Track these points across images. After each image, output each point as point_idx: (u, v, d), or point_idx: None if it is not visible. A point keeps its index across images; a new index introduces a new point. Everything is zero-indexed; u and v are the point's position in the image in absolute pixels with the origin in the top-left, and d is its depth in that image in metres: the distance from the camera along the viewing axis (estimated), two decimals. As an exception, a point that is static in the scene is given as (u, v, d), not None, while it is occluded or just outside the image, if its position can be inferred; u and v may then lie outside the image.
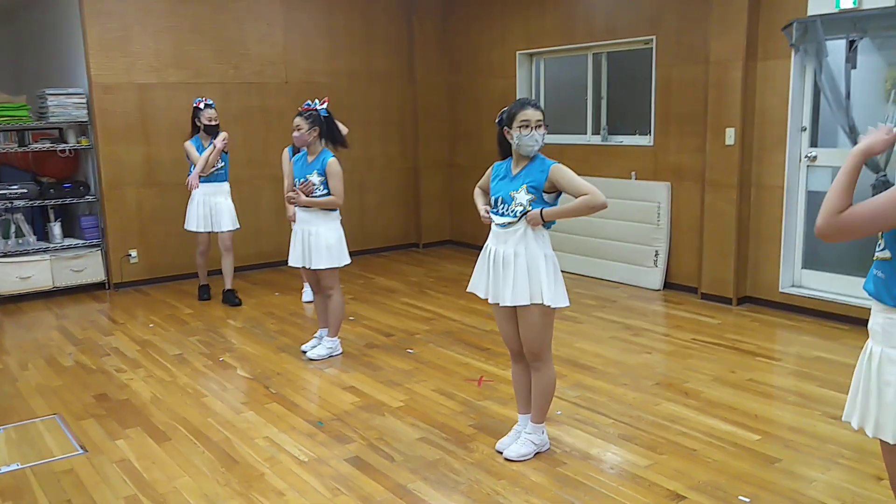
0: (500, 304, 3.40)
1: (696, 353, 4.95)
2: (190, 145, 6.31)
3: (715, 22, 5.90)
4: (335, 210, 4.86)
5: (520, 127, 3.25)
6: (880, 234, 2.07)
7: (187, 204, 6.42)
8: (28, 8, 8.27)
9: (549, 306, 3.32)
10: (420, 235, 8.87)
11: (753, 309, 5.92)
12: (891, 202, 1.95)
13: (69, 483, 3.42)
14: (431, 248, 8.84)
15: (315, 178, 4.72)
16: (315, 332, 5.26)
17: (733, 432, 3.75)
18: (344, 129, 5.24)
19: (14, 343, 5.68)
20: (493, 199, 3.42)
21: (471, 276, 3.58)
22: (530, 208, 3.28)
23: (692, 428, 3.81)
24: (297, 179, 4.83)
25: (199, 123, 6.27)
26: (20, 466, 3.59)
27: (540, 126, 3.27)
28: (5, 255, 6.66)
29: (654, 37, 6.48)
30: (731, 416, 3.95)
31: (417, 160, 8.74)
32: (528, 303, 3.31)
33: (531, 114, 3.26)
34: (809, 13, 5.38)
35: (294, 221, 5.60)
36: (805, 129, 5.70)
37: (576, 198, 3.24)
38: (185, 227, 6.45)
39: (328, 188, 4.73)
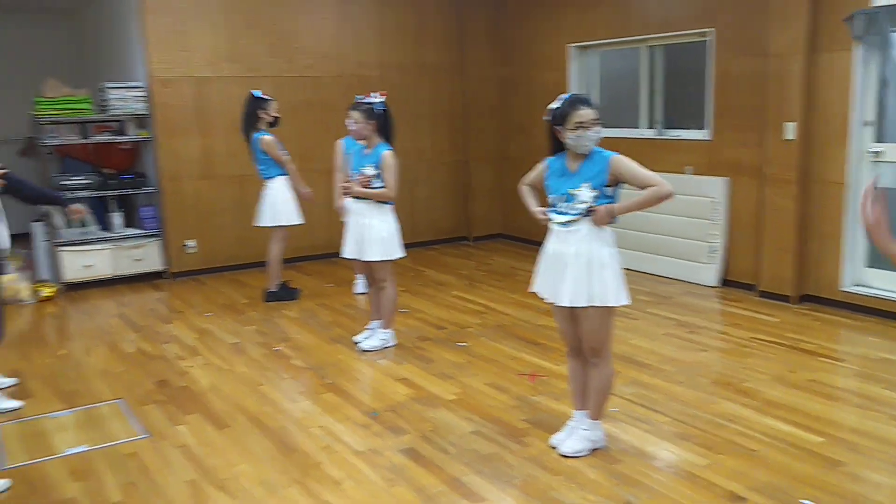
0: (558, 305, 3.38)
1: (754, 352, 4.85)
2: (274, 142, 6.05)
3: (775, 13, 5.76)
4: (389, 203, 4.88)
5: (574, 128, 3.21)
6: None
7: (279, 197, 6.15)
8: (90, 4, 8.48)
9: (610, 306, 3.30)
10: (470, 229, 8.87)
11: (814, 308, 5.77)
12: None
13: (134, 466, 3.52)
14: (482, 241, 8.83)
15: (370, 171, 4.76)
16: (367, 323, 5.31)
17: (794, 433, 3.67)
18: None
19: (78, 329, 5.86)
20: (551, 197, 3.38)
21: (529, 273, 3.57)
22: (595, 205, 3.25)
23: (751, 428, 3.74)
24: (353, 171, 4.87)
25: (265, 115, 6.07)
26: (88, 448, 3.71)
27: (594, 124, 3.22)
28: (69, 244, 6.86)
29: (712, 29, 6.36)
30: (791, 416, 3.87)
31: (468, 153, 8.73)
32: (586, 304, 3.28)
33: (585, 114, 3.20)
34: (873, 3, 5.21)
35: (343, 213, 5.67)
36: (869, 124, 5.54)
37: (641, 189, 3.21)
38: (294, 221, 6.21)
39: (383, 181, 4.76)
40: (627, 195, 3.28)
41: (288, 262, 6.69)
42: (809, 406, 4.00)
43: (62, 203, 4.63)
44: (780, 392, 4.19)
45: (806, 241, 5.86)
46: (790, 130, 5.75)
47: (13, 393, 4.46)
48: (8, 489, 3.32)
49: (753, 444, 3.58)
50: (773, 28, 5.78)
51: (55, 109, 6.77)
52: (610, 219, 3.25)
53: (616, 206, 3.25)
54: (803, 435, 3.66)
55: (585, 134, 3.20)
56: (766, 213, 6.01)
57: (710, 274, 6.48)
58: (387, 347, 5.10)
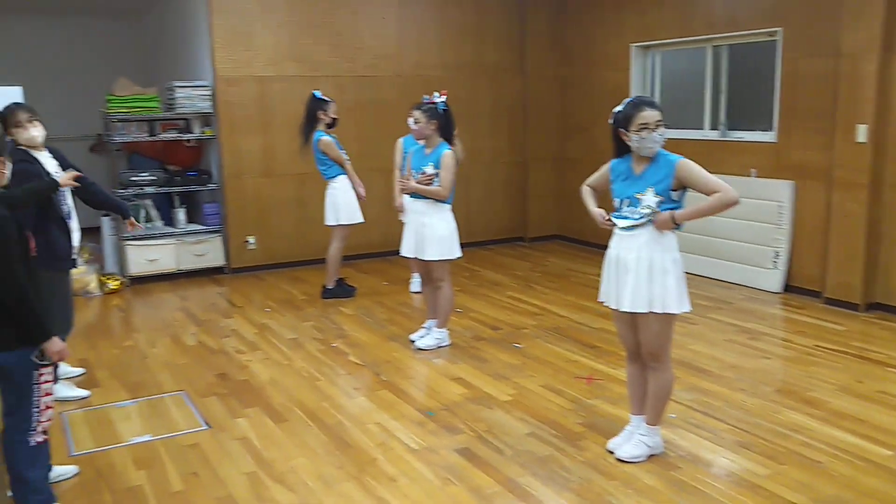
0: (618, 310, 3.34)
1: (819, 361, 4.71)
2: (333, 143, 6.11)
3: (848, 11, 5.58)
4: (447, 202, 4.89)
5: (639, 130, 3.17)
6: None
7: (341, 197, 6.22)
8: (160, 5, 8.72)
9: (670, 313, 3.25)
10: (526, 229, 8.83)
11: (884, 316, 5.57)
12: None
13: (195, 456, 3.61)
14: (537, 242, 8.78)
15: (430, 170, 4.78)
16: (423, 322, 5.32)
17: (862, 446, 3.55)
18: (459, 153, 5.29)
19: (143, 322, 6.03)
20: (616, 201, 3.34)
21: (585, 275, 3.53)
22: (658, 210, 3.20)
23: (816, 439, 3.64)
24: (413, 171, 4.90)
25: (324, 116, 6.13)
26: (151, 438, 3.81)
27: (659, 126, 3.17)
28: (135, 239, 7.05)
29: (780, 28, 6.19)
30: (859, 428, 3.74)
31: (526, 153, 8.69)
32: (647, 310, 3.25)
33: (649, 115, 3.15)
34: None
35: (401, 212, 5.70)
36: (947, 127, 5.33)
37: (706, 195, 3.15)
38: (355, 220, 6.27)
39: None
40: (692, 199, 3.22)
41: (345, 259, 6.75)
42: (878, 418, 3.86)
43: (124, 213, 4.75)
44: (847, 402, 4.06)
45: (876, 248, 5.65)
46: (862, 133, 5.56)
47: (81, 382, 4.61)
48: (75, 475, 3.44)
49: (818, 455, 3.48)
50: (846, 27, 5.60)
51: (125, 107, 6.98)
52: (672, 225, 3.20)
53: (679, 212, 3.19)
54: (871, 447, 3.54)
55: (650, 136, 3.16)
56: (833, 217, 5.82)
57: (773, 279, 6.32)
58: (442, 347, 5.11)
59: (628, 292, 3.27)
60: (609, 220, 3.35)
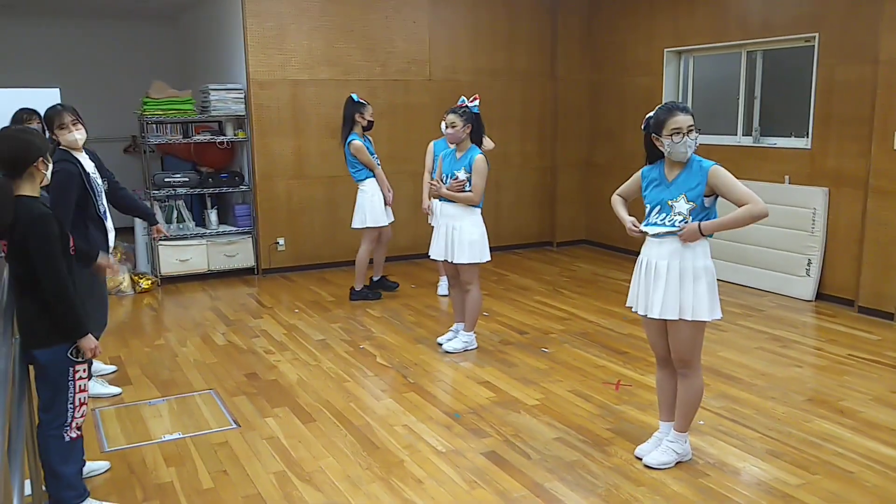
0: (648, 316, 3.33)
1: (852, 370, 4.64)
2: (364, 147, 6.18)
3: (888, 17, 5.49)
4: (478, 206, 4.90)
5: (671, 134, 3.16)
6: None
7: (368, 200, 6.26)
8: (195, 9, 8.85)
9: (701, 321, 3.23)
10: (554, 234, 8.81)
11: (919, 326, 5.49)
12: None
13: (224, 455, 3.65)
14: (565, 247, 8.75)
15: (462, 175, 4.79)
16: (451, 325, 5.33)
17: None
18: (490, 145, 5.24)
19: (174, 321, 6.11)
20: (648, 207, 3.33)
21: (613, 280, 3.52)
22: (689, 217, 3.18)
23: (849, 449, 3.58)
24: (445, 175, 4.92)
25: (360, 119, 6.18)
26: (182, 436, 3.86)
27: (691, 130, 3.16)
28: (167, 239, 7.15)
29: (816, 34, 6.11)
30: (893, 439, 3.68)
31: (555, 158, 8.68)
32: (677, 317, 3.23)
33: (682, 120, 3.15)
34: None
35: (429, 214, 5.70)
36: None
37: (736, 205, 3.13)
38: (381, 223, 6.30)
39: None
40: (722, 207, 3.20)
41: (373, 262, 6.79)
42: (913, 430, 3.80)
43: (151, 219, 4.85)
44: (881, 413, 3.99)
45: (912, 257, 5.56)
46: (899, 140, 5.48)
47: (113, 379, 4.69)
48: (107, 471, 3.49)
49: (851, 465, 3.42)
50: (885, 33, 5.52)
51: (160, 109, 7.09)
52: (699, 236, 3.18)
53: (705, 223, 3.17)
54: (906, 459, 3.48)
55: (682, 140, 3.15)
56: (868, 225, 5.73)
57: (805, 287, 6.23)
58: (469, 350, 5.11)
59: (658, 298, 3.25)
60: (638, 229, 3.33)
